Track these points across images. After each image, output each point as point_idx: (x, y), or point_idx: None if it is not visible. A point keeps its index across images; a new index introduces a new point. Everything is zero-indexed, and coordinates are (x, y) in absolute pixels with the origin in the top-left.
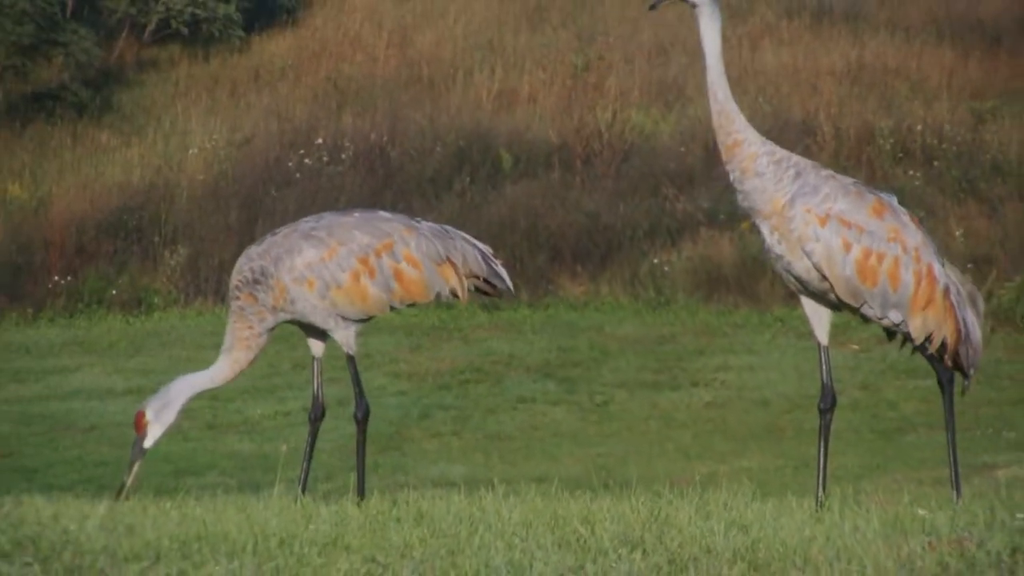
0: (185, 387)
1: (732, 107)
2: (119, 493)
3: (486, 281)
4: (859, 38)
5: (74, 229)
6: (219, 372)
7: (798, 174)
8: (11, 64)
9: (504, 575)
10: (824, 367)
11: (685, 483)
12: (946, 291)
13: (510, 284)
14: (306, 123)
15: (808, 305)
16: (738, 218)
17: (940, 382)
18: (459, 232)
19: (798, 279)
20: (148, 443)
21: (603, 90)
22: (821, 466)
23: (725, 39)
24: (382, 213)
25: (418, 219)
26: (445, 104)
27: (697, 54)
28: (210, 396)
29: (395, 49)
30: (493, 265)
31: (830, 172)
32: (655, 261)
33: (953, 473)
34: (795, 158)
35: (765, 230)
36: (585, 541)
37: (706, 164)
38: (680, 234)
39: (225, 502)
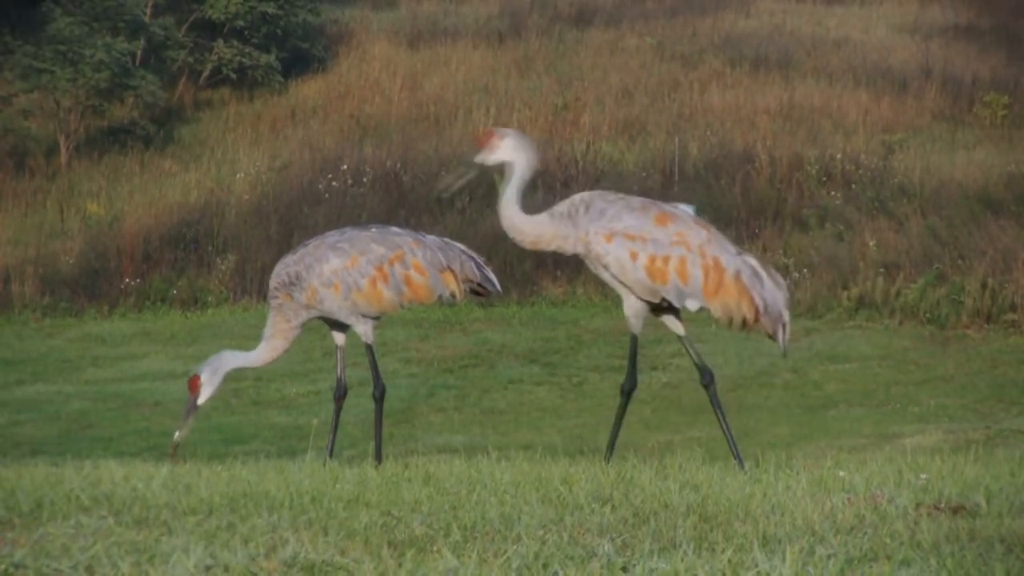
0: (231, 360)
1: (519, 221)
2: (175, 447)
3: (479, 285)
4: (790, 83)
5: (142, 240)
6: (260, 355)
7: (587, 207)
8: (90, 104)
9: (497, 526)
10: (692, 350)
11: (646, 450)
12: (737, 275)
13: (499, 287)
14: (333, 153)
15: (628, 301)
16: None
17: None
18: (458, 244)
19: (612, 286)
20: (200, 401)
21: (579, 125)
22: (727, 430)
23: (680, 84)
24: (394, 228)
25: (424, 234)
26: (448, 137)
27: (657, 94)
28: (254, 377)
29: (407, 92)
30: (485, 271)
31: (619, 195)
32: None
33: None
34: (579, 196)
35: (587, 260)
36: (564, 498)
37: (663, 186)
38: None
39: (266, 466)
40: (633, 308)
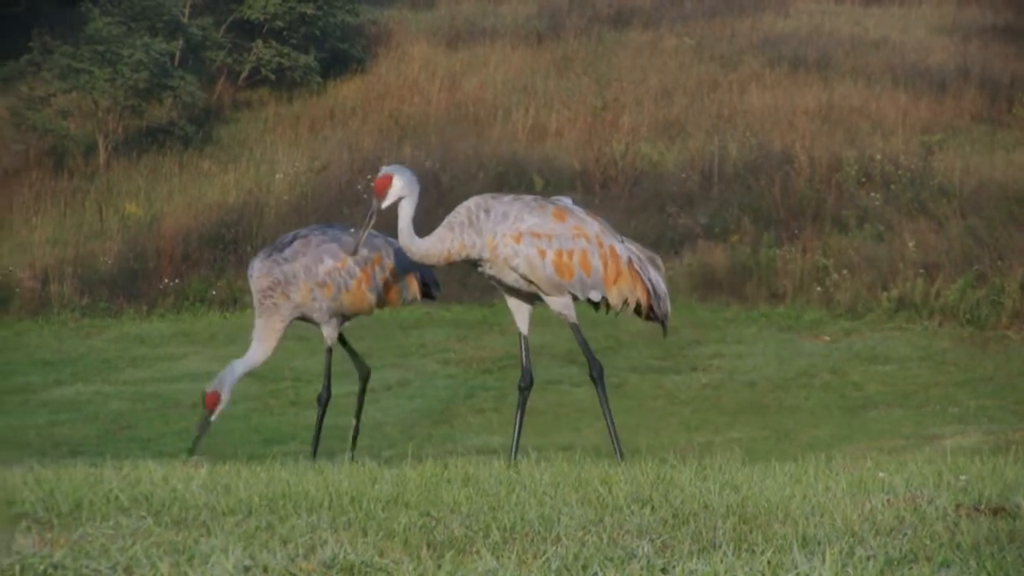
0: (240, 369)
1: (425, 247)
2: (192, 452)
3: (425, 285)
4: (829, 83)
5: (181, 240)
6: (255, 358)
7: (487, 212)
8: (129, 104)
9: (536, 527)
10: (524, 353)
11: (686, 451)
12: (630, 262)
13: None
14: (372, 153)
15: (511, 302)
16: (728, 232)
17: (592, 376)
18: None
19: (506, 287)
20: (214, 417)
21: (618, 126)
22: (517, 430)
23: (719, 84)
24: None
25: (390, 238)
26: (487, 137)
27: (696, 95)
28: (293, 378)
29: (446, 92)
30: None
31: (513, 196)
32: None
33: (613, 438)
34: (472, 202)
35: (484, 265)
36: (603, 499)
37: (702, 187)
38: (681, 245)
39: (305, 466)
40: (515, 305)
